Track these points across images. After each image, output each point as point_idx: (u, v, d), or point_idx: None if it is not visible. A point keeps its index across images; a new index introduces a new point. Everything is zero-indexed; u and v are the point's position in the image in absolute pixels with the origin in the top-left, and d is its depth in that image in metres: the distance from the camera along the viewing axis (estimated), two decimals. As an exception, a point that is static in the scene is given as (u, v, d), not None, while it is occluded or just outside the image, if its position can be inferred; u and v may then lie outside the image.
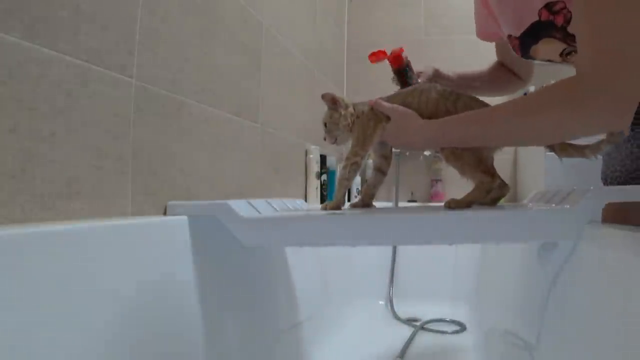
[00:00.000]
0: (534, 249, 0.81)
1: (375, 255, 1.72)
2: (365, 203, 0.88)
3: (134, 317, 0.60)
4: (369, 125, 0.81)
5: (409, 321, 1.49)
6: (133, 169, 0.71)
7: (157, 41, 0.77)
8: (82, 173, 0.61)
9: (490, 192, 0.74)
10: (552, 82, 0.62)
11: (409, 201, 2.07)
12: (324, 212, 0.80)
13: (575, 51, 0.72)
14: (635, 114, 0.58)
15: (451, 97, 0.76)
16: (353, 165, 0.82)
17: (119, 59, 0.68)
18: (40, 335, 0.47)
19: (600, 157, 0.80)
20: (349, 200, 1.85)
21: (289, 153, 1.39)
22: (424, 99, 0.78)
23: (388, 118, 0.80)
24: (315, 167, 1.55)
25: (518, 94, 1.03)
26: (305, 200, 1.53)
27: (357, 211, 0.81)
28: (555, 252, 0.70)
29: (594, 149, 0.68)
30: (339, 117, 0.83)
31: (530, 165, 1.79)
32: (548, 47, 0.74)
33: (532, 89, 1.38)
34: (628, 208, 0.77)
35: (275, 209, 0.87)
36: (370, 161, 0.90)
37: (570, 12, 0.67)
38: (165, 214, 0.78)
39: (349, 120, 0.83)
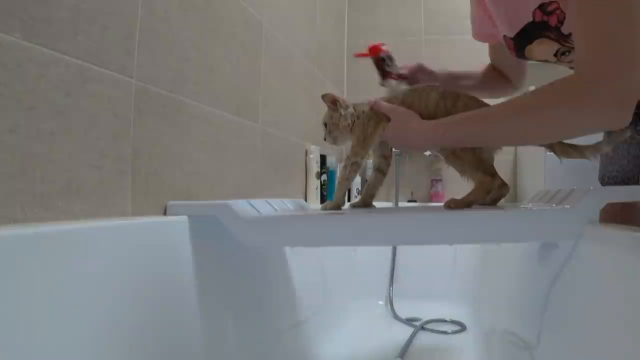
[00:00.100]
0: (534, 249, 0.81)
1: (375, 255, 1.71)
2: (365, 203, 0.88)
3: (134, 317, 0.60)
4: (369, 126, 0.81)
5: (409, 321, 1.49)
6: (133, 169, 0.71)
7: (157, 41, 0.77)
8: (82, 173, 0.61)
9: (490, 192, 0.74)
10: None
11: (409, 201, 2.07)
12: (324, 212, 0.80)
13: (570, 51, 0.72)
14: (634, 114, 0.59)
15: (451, 97, 0.76)
16: (353, 165, 0.82)
17: (119, 59, 0.68)
18: (40, 335, 0.47)
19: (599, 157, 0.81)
20: (349, 200, 1.85)
21: (289, 153, 1.39)
22: (423, 100, 0.78)
23: (388, 118, 0.80)
24: (315, 167, 1.55)
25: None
26: (305, 200, 1.53)
27: (357, 211, 0.81)
28: (555, 252, 0.70)
29: (594, 149, 0.68)
30: (339, 118, 0.83)
31: (530, 166, 1.79)
32: (542, 48, 0.75)
33: (531, 88, 1.38)
34: (628, 208, 0.77)
35: (275, 209, 0.87)
36: (371, 161, 0.90)
37: (563, 12, 0.67)
38: (165, 214, 0.78)
39: (349, 120, 0.83)
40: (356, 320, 1.51)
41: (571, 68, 0.78)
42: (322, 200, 1.60)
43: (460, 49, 2.01)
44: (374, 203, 0.89)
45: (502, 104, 0.66)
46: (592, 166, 0.99)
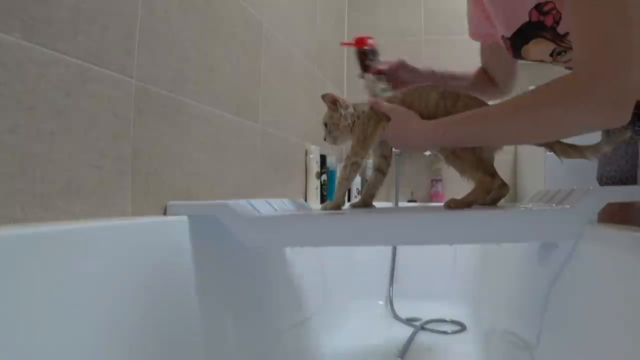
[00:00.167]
0: (534, 249, 0.81)
1: (375, 255, 1.71)
2: (365, 203, 0.88)
3: (134, 317, 0.60)
4: (369, 125, 0.81)
5: (409, 321, 1.49)
6: (133, 169, 0.71)
7: (157, 41, 0.77)
8: (82, 173, 0.61)
9: (490, 192, 0.74)
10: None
11: (409, 201, 2.08)
12: (324, 212, 0.80)
13: (566, 51, 0.73)
14: (632, 114, 0.59)
15: (451, 97, 0.76)
16: (353, 165, 0.82)
17: (119, 59, 0.68)
18: (40, 335, 0.47)
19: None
20: (349, 200, 1.85)
21: (289, 153, 1.39)
22: (423, 99, 0.78)
23: (388, 118, 0.80)
24: (315, 167, 1.55)
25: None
26: (305, 200, 1.53)
27: (357, 211, 0.81)
28: (555, 252, 0.70)
29: (594, 149, 0.68)
30: (339, 118, 0.83)
31: (530, 166, 1.79)
32: (538, 48, 0.75)
33: (531, 88, 1.38)
34: (626, 208, 0.77)
35: (275, 209, 0.87)
36: (370, 161, 0.89)
37: (559, 12, 0.68)
38: (165, 214, 0.78)
39: (349, 120, 0.83)
40: (356, 320, 1.50)
41: (567, 68, 0.78)
42: (322, 200, 1.60)
43: (460, 49, 2.01)
44: (374, 203, 0.89)
45: (502, 103, 0.67)
46: (592, 166, 0.99)
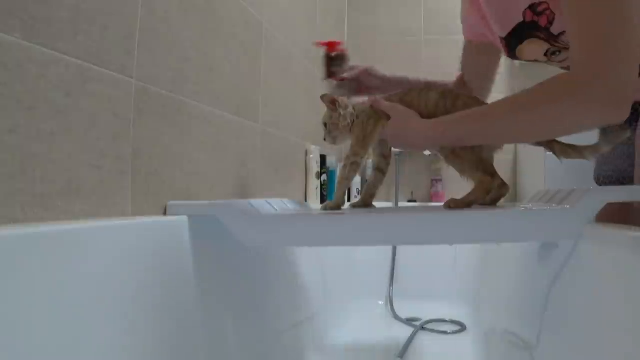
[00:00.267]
0: (534, 249, 0.81)
1: (375, 255, 1.71)
2: (365, 203, 0.88)
3: (134, 317, 0.60)
4: (368, 124, 0.81)
5: (409, 321, 1.49)
6: (133, 169, 0.71)
7: (157, 41, 0.77)
8: (82, 173, 0.61)
9: (490, 192, 0.74)
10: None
11: (409, 201, 2.07)
12: (324, 212, 0.80)
13: (560, 51, 0.73)
14: (630, 114, 0.59)
15: (451, 96, 0.76)
16: (353, 165, 0.82)
17: (119, 59, 0.68)
18: (40, 335, 0.47)
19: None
20: (349, 200, 1.85)
21: (289, 153, 1.39)
22: (423, 98, 0.78)
23: (388, 117, 0.80)
24: (315, 167, 1.55)
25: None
26: (305, 200, 1.53)
27: (357, 211, 0.81)
28: (555, 252, 0.70)
29: (593, 150, 0.68)
30: (338, 118, 0.83)
31: (530, 166, 1.79)
32: (533, 47, 0.75)
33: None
34: (625, 208, 0.77)
35: (275, 209, 0.87)
36: (370, 161, 0.89)
37: (553, 13, 0.68)
38: (165, 214, 0.78)
39: (349, 120, 0.83)
40: (356, 320, 1.51)
41: (562, 68, 0.79)
42: (322, 200, 1.60)
43: (460, 49, 2.01)
44: (374, 203, 0.89)
45: (501, 101, 0.67)
46: (592, 167, 0.99)
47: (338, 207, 0.82)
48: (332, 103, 0.84)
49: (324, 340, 1.23)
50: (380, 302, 1.69)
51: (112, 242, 0.58)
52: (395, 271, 1.71)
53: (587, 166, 0.89)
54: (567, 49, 0.72)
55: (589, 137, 0.70)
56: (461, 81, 0.97)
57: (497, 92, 0.94)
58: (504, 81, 1.97)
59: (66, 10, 0.58)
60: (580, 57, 0.59)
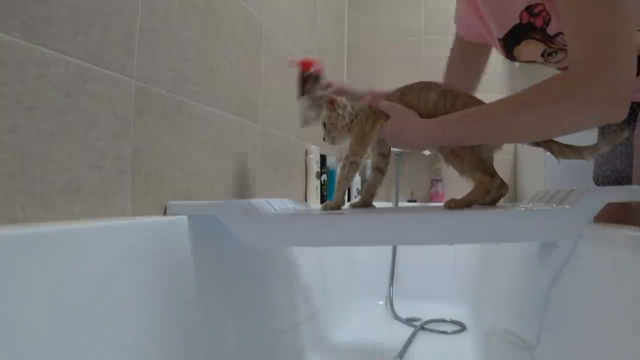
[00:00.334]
0: (534, 249, 0.81)
1: (375, 255, 1.72)
2: (365, 203, 0.88)
3: (134, 317, 0.60)
4: (367, 124, 0.81)
5: (409, 321, 1.49)
6: (133, 169, 0.71)
7: (157, 41, 0.77)
8: (82, 173, 0.61)
9: (490, 192, 0.74)
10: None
11: (409, 201, 2.07)
12: (323, 212, 0.80)
13: (556, 52, 0.74)
14: (628, 114, 0.59)
15: (450, 96, 0.76)
16: (352, 164, 0.82)
17: (119, 59, 0.68)
18: (40, 335, 0.47)
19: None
20: (349, 200, 1.85)
21: (289, 153, 1.39)
22: (423, 98, 0.78)
23: (387, 116, 0.80)
24: (315, 167, 1.55)
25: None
26: (305, 200, 1.53)
27: (357, 211, 0.81)
28: (555, 252, 0.70)
29: (592, 150, 0.68)
30: (336, 118, 0.83)
31: (530, 166, 1.79)
32: (530, 48, 0.76)
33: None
34: (624, 208, 0.77)
35: (275, 209, 0.87)
36: (369, 161, 0.89)
37: (549, 14, 0.69)
38: (165, 214, 0.78)
39: (347, 120, 0.83)
40: (356, 320, 1.51)
41: (559, 69, 0.79)
42: (322, 200, 1.60)
43: (460, 49, 2.01)
44: (374, 203, 0.89)
45: (500, 101, 0.67)
46: (591, 167, 0.99)
47: (338, 207, 0.82)
48: (330, 103, 0.84)
49: (324, 340, 1.23)
50: (380, 302, 1.69)
51: (112, 242, 0.58)
52: (395, 271, 1.71)
53: (586, 166, 0.89)
54: (563, 49, 0.73)
55: (588, 138, 0.70)
56: (445, 81, 0.98)
57: (497, 92, 0.94)
58: (504, 81, 1.97)
59: (66, 10, 0.58)
60: (578, 56, 0.59)
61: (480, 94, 0.77)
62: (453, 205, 0.71)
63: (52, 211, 0.57)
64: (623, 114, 0.58)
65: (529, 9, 0.70)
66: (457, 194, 0.73)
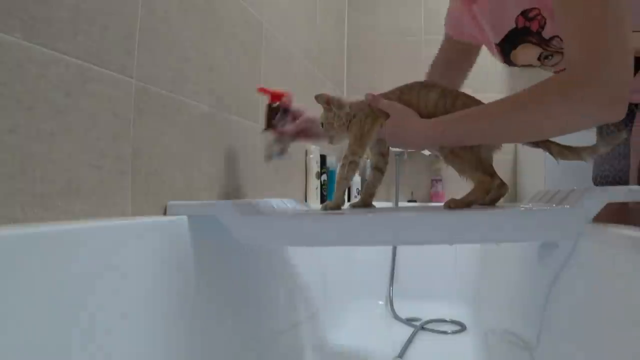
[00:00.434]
0: (534, 249, 0.81)
1: (375, 255, 1.72)
2: (365, 203, 0.88)
3: (134, 317, 0.60)
4: (366, 123, 0.81)
5: (409, 321, 1.49)
6: (133, 169, 0.71)
7: (157, 41, 0.77)
8: (82, 173, 0.61)
9: (490, 192, 0.74)
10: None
11: (409, 201, 2.07)
12: (323, 212, 0.80)
13: (552, 55, 0.74)
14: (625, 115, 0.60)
15: (450, 96, 0.76)
16: (351, 164, 0.81)
17: (119, 59, 0.68)
18: (40, 335, 0.47)
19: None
20: (348, 200, 1.85)
21: (289, 153, 1.39)
22: (423, 98, 0.78)
23: (386, 115, 0.79)
24: (315, 167, 1.55)
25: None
26: (305, 200, 1.53)
27: (357, 211, 0.81)
28: (555, 252, 0.70)
29: (591, 151, 0.68)
30: (333, 117, 0.83)
31: (530, 166, 1.79)
32: (526, 52, 0.77)
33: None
34: (623, 208, 0.77)
35: (274, 208, 0.87)
36: (368, 161, 0.89)
37: (544, 18, 0.70)
38: (165, 214, 0.78)
39: (344, 120, 0.83)
40: (356, 320, 1.51)
41: (555, 72, 0.80)
42: (322, 200, 1.60)
43: (460, 49, 2.01)
44: (374, 203, 0.89)
45: (500, 101, 0.67)
46: (591, 167, 0.99)
47: (338, 207, 0.82)
48: (326, 103, 0.84)
49: (323, 340, 1.23)
50: (380, 302, 1.69)
51: (112, 242, 0.58)
52: (395, 271, 1.71)
53: (586, 167, 0.89)
54: (559, 52, 0.74)
55: (587, 139, 0.70)
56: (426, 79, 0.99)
57: (497, 92, 0.95)
58: (504, 81, 1.97)
59: (66, 10, 0.58)
60: (574, 57, 0.60)
61: (480, 94, 0.77)
62: (453, 205, 0.71)
63: (52, 211, 0.57)
64: (621, 113, 0.58)
65: (524, 13, 0.71)
66: (457, 194, 0.73)
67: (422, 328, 1.43)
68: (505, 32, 0.75)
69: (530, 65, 0.80)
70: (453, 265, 1.69)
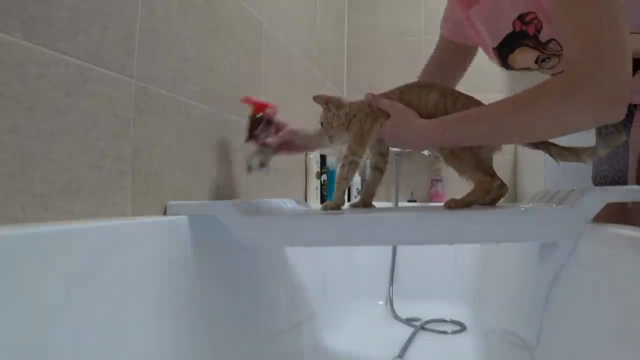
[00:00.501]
0: (534, 249, 0.81)
1: (375, 255, 1.72)
2: (365, 203, 0.88)
3: (133, 317, 0.60)
4: (366, 122, 0.81)
5: (409, 321, 1.49)
6: (133, 169, 0.71)
7: (157, 41, 0.77)
8: (82, 173, 0.61)
9: (490, 192, 0.74)
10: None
11: (409, 201, 2.07)
12: (323, 212, 0.80)
13: (549, 58, 0.75)
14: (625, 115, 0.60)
15: (451, 96, 0.76)
16: (351, 164, 0.81)
17: (119, 59, 0.68)
18: (39, 335, 0.47)
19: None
20: (348, 200, 1.85)
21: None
22: (423, 98, 0.78)
23: (386, 115, 0.79)
24: (315, 167, 1.55)
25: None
26: (305, 200, 1.53)
27: (357, 211, 0.81)
28: (555, 252, 0.70)
29: (590, 152, 0.68)
30: (332, 117, 0.83)
31: (530, 166, 1.79)
32: (523, 56, 0.77)
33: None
34: (622, 208, 0.77)
35: (275, 209, 0.87)
36: (368, 160, 0.89)
37: (540, 21, 0.70)
38: (165, 214, 0.78)
39: (343, 120, 0.83)
40: (356, 320, 1.51)
41: (553, 75, 0.80)
42: (322, 200, 1.60)
43: (460, 49, 2.01)
44: (374, 203, 0.89)
45: (500, 102, 0.67)
46: (591, 168, 0.99)
47: (338, 207, 0.82)
48: (325, 103, 0.84)
49: (323, 340, 1.23)
50: (380, 302, 1.69)
51: (112, 242, 0.58)
52: (395, 271, 1.71)
53: (586, 167, 0.89)
54: (556, 55, 0.74)
55: (587, 139, 0.70)
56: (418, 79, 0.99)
57: (497, 92, 0.95)
58: (504, 82, 1.97)
59: (66, 10, 0.58)
60: (575, 58, 0.60)
61: (480, 94, 0.77)
62: (453, 205, 0.71)
63: (52, 211, 0.57)
64: (621, 114, 0.58)
65: (521, 17, 0.71)
66: (457, 194, 0.73)
67: (422, 328, 1.43)
68: (503, 36, 0.76)
69: (527, 69, 0.81)
70: (453, 265, 1.69)
